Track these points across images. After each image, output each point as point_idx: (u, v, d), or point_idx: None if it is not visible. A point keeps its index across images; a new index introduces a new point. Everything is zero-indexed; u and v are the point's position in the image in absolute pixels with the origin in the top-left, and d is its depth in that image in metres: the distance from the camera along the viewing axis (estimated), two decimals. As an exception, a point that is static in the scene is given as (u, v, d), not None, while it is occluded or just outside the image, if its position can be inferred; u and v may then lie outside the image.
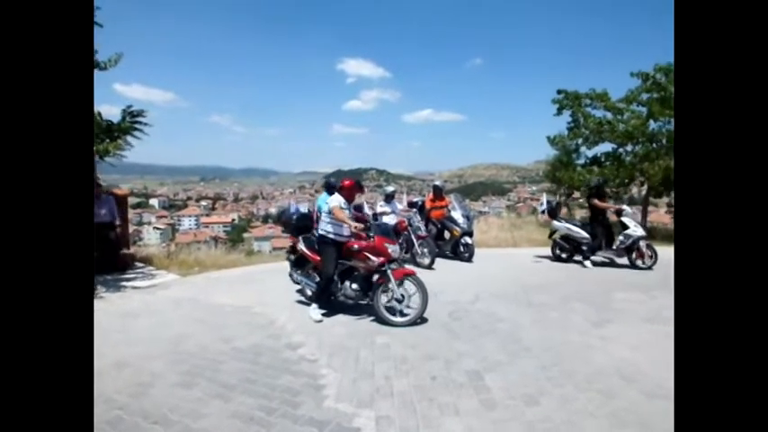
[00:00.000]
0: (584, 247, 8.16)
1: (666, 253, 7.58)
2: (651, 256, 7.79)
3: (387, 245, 4.73)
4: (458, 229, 8.63)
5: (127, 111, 8.36)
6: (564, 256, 8.62)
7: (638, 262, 7.82)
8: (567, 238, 8.55)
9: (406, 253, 8.26)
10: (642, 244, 7.84)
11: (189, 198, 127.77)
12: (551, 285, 6.47)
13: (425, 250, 8.11)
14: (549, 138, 15.49)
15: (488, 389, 3.15)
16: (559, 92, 14.76)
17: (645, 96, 13.44)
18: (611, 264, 8.22)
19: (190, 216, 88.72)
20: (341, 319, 4.86)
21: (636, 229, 7.88)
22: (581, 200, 16.27)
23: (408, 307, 4.62)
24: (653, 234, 13.24)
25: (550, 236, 8.91)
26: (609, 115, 14.04)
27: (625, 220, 8.01)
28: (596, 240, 8.11)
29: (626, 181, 13.77)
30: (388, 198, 9.02)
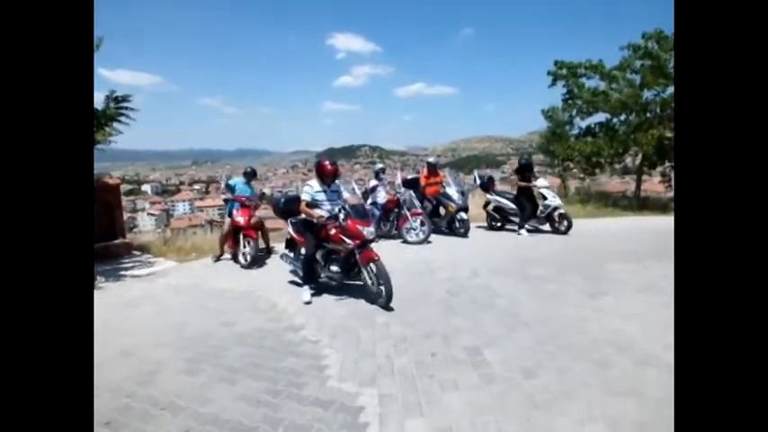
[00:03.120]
0: (513, 218, 9.23)
1: (664, 221, 7.73)
2: (566, 222, 8.87)
3: (360, 227, 4.70)
4: (453, 204, 8.68)
5: (111, 97, 8.14)
6: (497, 225, 9.62)
7: (558, 226, 8.95)
8: (498, 209, 9.45)
9: (396, 230, 8.56)
10: (559, 212, 8.96)
11: (182, 183, 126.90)
12: (545, 257, 6.55)
13: (422, 227, 8.20)
14: (543, 111, 15.45)
15: (488, 364, 3.24)
16: (556, 63, 14.63)
17: (638, 64, 13.34)
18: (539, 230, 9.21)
19: (184, 201, 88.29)
20: (340, 300, 4.91)
21: (553, 200, 8.95)
22: (575, 170, 16.36)
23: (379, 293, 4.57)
24: (646, 204, 13.35)
25: (485, 207, 9.84)
26: (603, 85, 13.95)
27: (544, 191, 9.04)
28: (525, 212, 9.02)
29: (620, 151, 13.79)
30: (378, 175, 9.22)
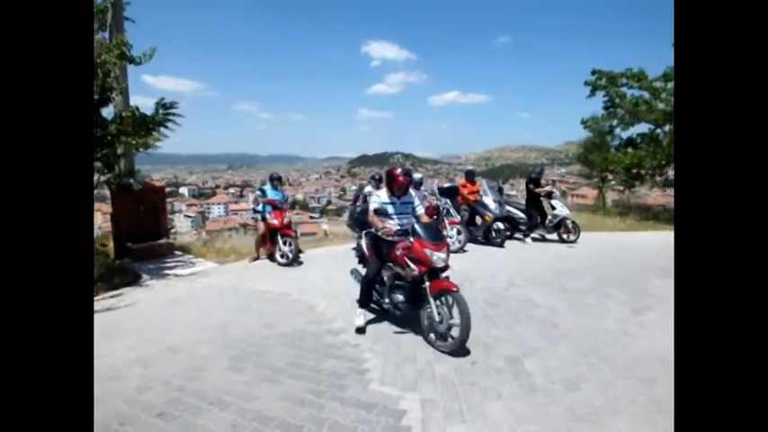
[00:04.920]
0: (522, 227, 9.26)
1: None
2: (575, 232, 9.05)
3: (427, 251, 3.80)
4: (489, 214, 8.66)
5: (160, 103, 8.54)
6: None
7: (566, 237, 9.07)
8: (508, 218, 9.31)
9: None
10: (568, 222, 9.08)
11: (217, 186, 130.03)
12: (584, 270, 6.45)
13: (459, 236, 8.21)
14: (582, 120, 15.18)
15: (529, 374, 3.24)
16: (594, 72, 14.37)
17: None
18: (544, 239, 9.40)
19: (219, 203, 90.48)
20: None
21: (562, 210, 9.08)
22: (613, 182, 15.97)
23: (456, 326, 3.68)
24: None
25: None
26: (646, 95, 13.59)
27: (553, 202, 9.19)
28: (532, 220, 9.21)
29: (662, 163, 13.37)
30: (417, 185, 9.13)
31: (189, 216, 72.89)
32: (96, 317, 5.01)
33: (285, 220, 7.53)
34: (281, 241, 7.43)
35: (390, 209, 4.27)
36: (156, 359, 3.71)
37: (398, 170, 4.41)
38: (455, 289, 3.67)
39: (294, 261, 7.37)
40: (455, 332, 3.67)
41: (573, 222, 9.13)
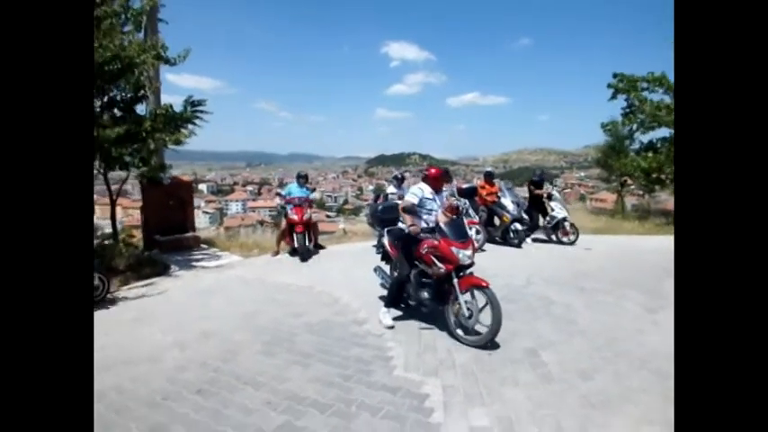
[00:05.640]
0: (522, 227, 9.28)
1: None
2: (573, 233, 9.17)
3: (454, 249, 3.88)
4: (508, 215, 8.81)
5: (188, 101, 8.82)
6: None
7: (563, 238, 9.21)
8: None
9: None
10: (566, 223, 9.20)
11: (236, 183, 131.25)
12: (601, 271, 6.55)
13: (477, 236, 8.36)
14: (602, 124, 15.15)
15: (544, 364, 3.40)
16: (615, 75, 14.35)
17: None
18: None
19: (237, 201, 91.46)
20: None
21: (560, 212, 9.21)
22: (632, 186, 15.90)
23: (480, 323, 3.82)
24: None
25: None
26: (667, 99, 13.52)
27: (552, 203, 9.35)
28: (533, 221, 9.42)
29: (683, 168, 13.30)
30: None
31: (207, 212, 73.85)
32: (130, 303, 5.32)
33: (305, 217, 7.83)
34: (296, 237, 7.73)
35: (430, 204, 4.35)
36: (192, 343, 3.96)
37: (437, 168, 4.57)
38: (485, 284, 3.77)
39: (310, 255, 7.76)
40: (481, 327, 3.79)
41: (571, 224, 9.25)
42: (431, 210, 4.35)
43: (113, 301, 5.34)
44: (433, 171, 4.50)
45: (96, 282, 5.34)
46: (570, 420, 2.62)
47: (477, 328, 3.83)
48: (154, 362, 3.59)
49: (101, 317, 4.75)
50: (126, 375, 3.35)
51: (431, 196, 4.37)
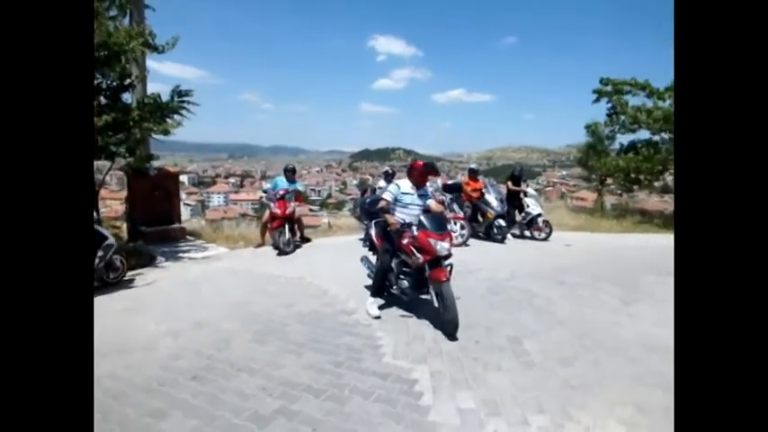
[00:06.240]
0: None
1: None
2: (547, 230, 9.47)
3: (432, 240, 4.04)
4: (491, 211, 9.01)
5: (175, 90, 8.74)
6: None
7: (537, 234, 9.51)
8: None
9: None
10: (540, 220, 9.49)
11: (218, 175, 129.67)
12: (580, 266, 6.79)
13: (462, 231, 8.56)
14: (586, 125, 15.55)
15: (527, 352, 3.58)
16: (602, 80, 14.74)
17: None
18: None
19: (219, 193, 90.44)
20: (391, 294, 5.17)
21: (535, 208, 9.54)
22: (612, 186, 16.31)
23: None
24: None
25: None
26: (649, 103, 13.95)
27: (527, 200, 9.63)
28: (509, 217, 9.59)
29: (660, 168, 13.72)
30: (437, 172, 9.53)
31: (188, 204, 72.84)
32: (120, 294, 5.36)
33: (288, 210, 7.86)
34: (277, 231, 7.74)
35: (409, 198, 4.49)
36: (185, 332, 4.03)
37: (421, 162, 4.67)
38: (444, 279, 3.93)
39: (291, 248, 7.75)
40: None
41: (545, 221, 9.56)
42: (408, 204, 4.49)
43: (103, 291, 5.35)
44: (415, 165, 4.63)
45: (117, 264, 5.79)
46: (551, 402, 2.79)
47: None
48: (148, 350, 3.66)
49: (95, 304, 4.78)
50: (120, 363, 3.42)
51: (411, 191, 4.52)
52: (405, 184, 4.57)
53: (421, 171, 4.56)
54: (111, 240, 5.67)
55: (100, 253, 5.42)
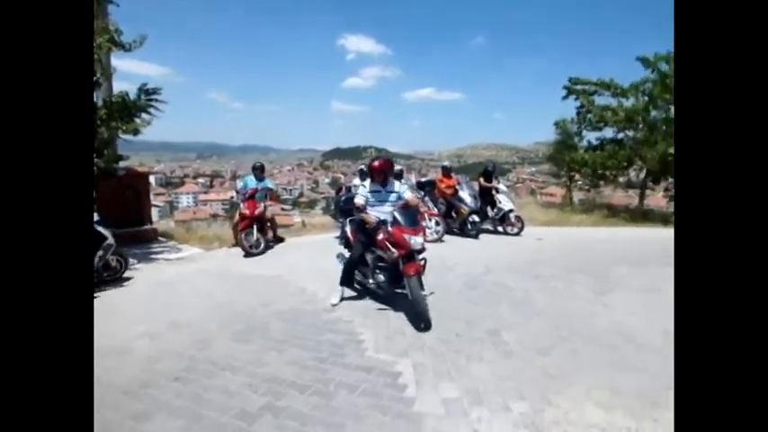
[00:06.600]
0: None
1: (666, 232, 8.26)
2: (519, 225, 9.63)
3: (406, 235, 4.19)
4: (465, 207, 9.13)
5: (143, 89, 8.53)
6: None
7: (509, 229, 9.67)
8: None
9: None
10: (512, 215, 9.65)
11: (186, 175, 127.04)
12: (553, 259, 6.97)
13: (437, 227, 8.67)
14: (555, 123, 16.00)
15: (506, 343, 3.68)
16: (571, 79, 15.25)
17: (649, 86, 13.83)
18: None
19: (188, 193, 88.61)
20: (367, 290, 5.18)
21: (507, 204, 9.67)
22: (580, 182, 16.79)
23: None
24: (648, 216, 13.76)
25: None
26: (614, 102, 14.52)
27: (499, 196, 9.78)
28: (482, 212, 9.62)
29: (624, 164, 14.24)
30: (398, 176, 9.58)
31: (157, 205, 71.09)
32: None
33: (257, 211, 7.70)
34: (244, 232, 7.56)
35: (376, 196, 4.67)
36: (163, 333, 3.97)
37: (376, 160, 4.85)
38: (412, 273, 4.12)
39: (257, 250, 7.55)
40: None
41: (517, 216, 9.73)
42: (377, 201, 4.66)
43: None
44: (372, 165, 4.78)
45: (114, 263, 5.92)
46: (531, 389, 2.88)
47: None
48: (125, 353, 3.59)
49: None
50: (97, 366, 3.34)
51: (377, 188, 4.70)
52: (368, 184, 4.76)
53: (378, 169, 4.71)
54: (111, 240, 5.73)
55: (100, 252, 5.51)
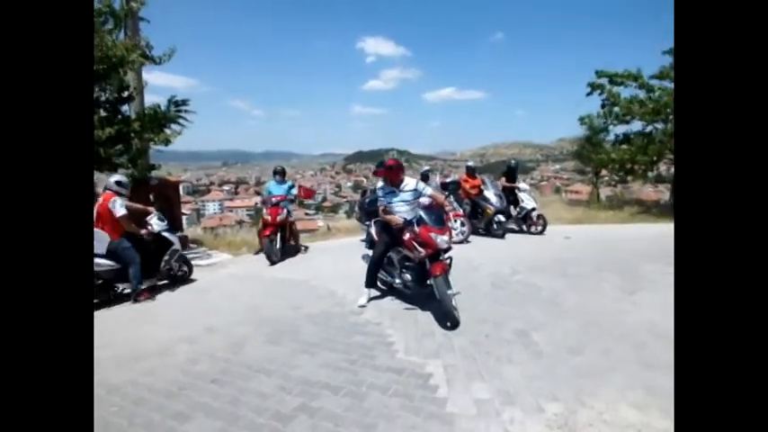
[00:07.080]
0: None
1: None
2: (541, 224, 9.53)
3: (432, 234, 4.24)
4: (491, 207, 9.09)
5: (172, 100, 8.81)
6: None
7: (532, 228, 9.60)
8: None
9: None
10: (534, 214, 9.59)
11: (212, 183, 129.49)
12: (582, 258, 6.89)
13: (462, 227, 8.65)
14: (580, 118, 15.70)
15: (536, 343, 3.67)
16: (597, 72, 14.85)
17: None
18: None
19: (214, 201, 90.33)
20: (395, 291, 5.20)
21: (529, 203, 9.61)
22: (606, 177, 16.50)
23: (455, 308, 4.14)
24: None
25: None
26: (641, 94, 14.12)
27: (521, 195, 9.72)
28: (505, 213, 9.48)
29: (654, 159, 13.88)
30: (425, 178, 9.59)
31: (184, 213, 72.43)
32: (127, 304, 5.39)
33: (278, 218, 7.62)
34: (267, 239, 7.49)
35: (390, 197, 4.71)
36: (200, 337, 4.10)
37: (383, 162, 4.93)
38: (438, 273, 4.17)
39: (277, 258, 7.44)
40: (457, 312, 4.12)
41: (539, 215, 9.64)
42: (396, 202, 4.69)
43: (114, 300, 5.40)
44: (380, 169, 4.91)
45: (175, 267, 6.25)
46: (564, 390, 2.87)
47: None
48: (164, 356, 3.72)
49: (105, 316, 4.87)
50: (138, 370, 3.47)
51: (390, 189, 4.75)
52: (384, 186, 4.81)
53: (387, 171, 4.76)
54: (177, 246, 6.04)
55: (166, 257, 5.90)
